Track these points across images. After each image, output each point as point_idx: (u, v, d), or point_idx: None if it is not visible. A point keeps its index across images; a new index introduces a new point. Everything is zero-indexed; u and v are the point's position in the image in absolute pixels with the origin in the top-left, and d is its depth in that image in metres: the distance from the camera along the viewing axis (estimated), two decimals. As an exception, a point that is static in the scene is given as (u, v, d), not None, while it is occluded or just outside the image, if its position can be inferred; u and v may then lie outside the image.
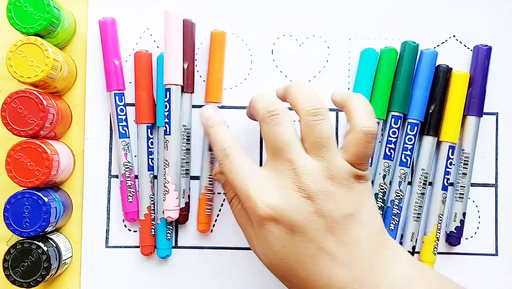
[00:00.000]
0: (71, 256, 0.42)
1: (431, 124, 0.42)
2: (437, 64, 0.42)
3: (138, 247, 0.42)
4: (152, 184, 0.42)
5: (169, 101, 0.40)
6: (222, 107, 0.43)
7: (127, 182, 0.41)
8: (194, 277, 0.42)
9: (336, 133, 0.43)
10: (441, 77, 0.42)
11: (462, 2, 0.43)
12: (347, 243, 0.31)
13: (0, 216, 0.39)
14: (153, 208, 0.41)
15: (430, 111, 0.42)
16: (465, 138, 0.42)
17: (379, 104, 0.41)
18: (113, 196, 0.42)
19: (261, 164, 0.43)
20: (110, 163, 0.42)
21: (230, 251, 0.42)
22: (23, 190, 0.38)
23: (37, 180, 0.37)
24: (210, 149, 0.41)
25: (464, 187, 0.42)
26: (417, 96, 0.41)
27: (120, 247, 0.42)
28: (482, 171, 0.43)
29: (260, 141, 0.43)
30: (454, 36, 0.43)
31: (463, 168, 0.42)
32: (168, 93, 0.40)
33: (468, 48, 0.43)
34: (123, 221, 0.42)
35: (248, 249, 0.42)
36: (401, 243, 0.42)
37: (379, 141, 0.42)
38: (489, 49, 0.42)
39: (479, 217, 0.43)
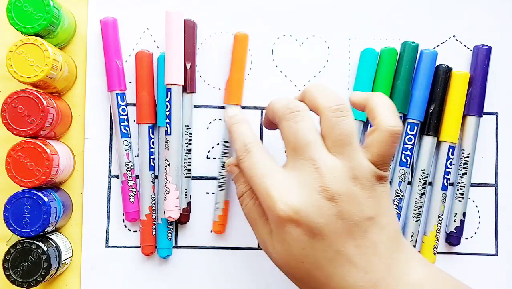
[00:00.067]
0: (71, 256, 0.42)
1: (431, 124, 0.42)
2: (437, 64, 0.42)
3: (138, 247, 0.42)
4: (154, 184, 0.42)
5: (170, 101, 0.40)
6: (222, 107, 0.43)
7: (128, 181, 0.41)
8: (194, 277, 0.42)
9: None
10: (441, 77, 0.42)
11: (462, 2, 0.43)
12: (366, 246, 0.31)
13: (0, 216, 0.39)
14: (154, 208, 0.41)
15: (430, 111, 0.42)
16: (465, 138, 0.42)
17: (379, 104, 0.41)
18: (113, 196, 0.42)
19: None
20: (110, 163, 0.42)
21: (230, 251, 0.42)
22: (23, 190, 0.38)
23: (37, 180, 0.37)
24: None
25: (464, 187, 0.42)
26: (417, 96, 0.41)
27: (120, 247, 0.42)
28: (482, 171, 0.43)
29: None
30: (454, 36, 0.43)
31: (463, 168, 0.42)
32: (169, 93, 0.40)
33: (468, 48, 0.43)
34: (123, 221, 0.42)
35: (248, 249, 0.42)
36: (401, 243, 0.42)
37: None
38: (489, 49, 0.42)
39: (479, 217, 0.43)
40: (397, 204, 0.41)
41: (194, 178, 0.42)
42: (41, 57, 0.37)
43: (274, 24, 0.43)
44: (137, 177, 0.42)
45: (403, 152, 0.41)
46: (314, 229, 0.30)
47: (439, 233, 0.42)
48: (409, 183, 0.42)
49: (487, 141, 0.43)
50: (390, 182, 0.42)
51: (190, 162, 0.42)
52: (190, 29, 0.41)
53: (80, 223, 0.42)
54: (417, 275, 0.31)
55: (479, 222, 0.43)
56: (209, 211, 0.42)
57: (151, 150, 0.42)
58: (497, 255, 0.43)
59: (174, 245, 0.42)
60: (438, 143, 0.42)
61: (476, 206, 0.43)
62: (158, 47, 0.43)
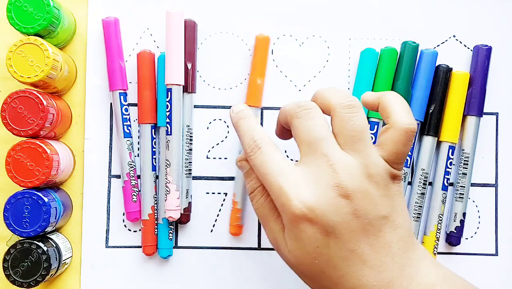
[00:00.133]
0: (71, 256, 0.42)
1: (431, 124, 0.42)
2: (437, 64, 0.42)
3: (138, 247, 0.42)
4: (155, 184, 0.42)
5: (170, 101, 0.40)
6: (223, 107, 0.43)
7: (131, 181, 0.41)
8: (193, 277, 0.42)
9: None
10: (441, 77, 0.42)
11: (462, 2, 0.43)
12: (379, 246, 0.31)
13: (0, 216, 0.39)
14: (156, 207, 0.41)
15: (430, 111, 0.42)
16: (465, 138, 0.42)
17: (379, 104, 0.41)
18: (113, 196, 0.42)
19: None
20: (110, 163, 0.42)
21: (230, 251, 0.42)
22: (23, 190, 0.38)
23: (37, 180, 0.37)
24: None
25: (464, 187, 0.42)
26: (417, 96, 0.41)
27: (120, 247, 0.42)
28: (482, 171, 0.43)
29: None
30: (454, 36, 0.43)
31: (463, 168, 0.42)
32: (169, 93, 0.40)
33: (468, 48, 0.43)
34: (123, 221, 0.42)
35: (248, 249, 0.42)
36: (401, 243, 0.42)
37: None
38: (489, 49, 0.42)
39: (479, 217, 0.43)
40: (397, 204, 0.41)
41: (194, 178, 0.42)
42: (41, 57, 0.37)
43: (274, 24, 0.43)
44: (138, 177, 0.42)
45: (403, 152, 0.41)
46: (329, 227, 0.30)
47: (439, 233, 0.42)
48: (409, 183, 0.42)
49: (487, 141, 0.43)
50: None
51: (191, 162, 0.42)
52: (190, 29, 0.41)
53: (80, 223, 0.42)
54: (428, 276, 0.31)
55: (479, 222, 0.43)
56: (209, 211, 0.42)
57: (154, 150, 0.42)
58: (497, 255, 0.43)
59: (174, 245, 0.42)
60: (438, 143, 0.42)
61: (476, 206, 0.43)
62: (158, 47, 0.43)
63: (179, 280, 0.42)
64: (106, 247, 0.42)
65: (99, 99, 0.42)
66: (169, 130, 0.40)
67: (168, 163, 0.40)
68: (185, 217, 0.42)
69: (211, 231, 0.42)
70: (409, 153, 0.41)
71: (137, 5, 0.43)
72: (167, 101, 0.40)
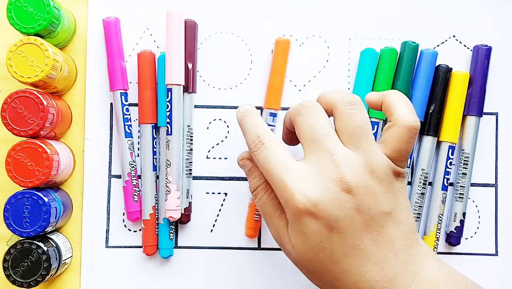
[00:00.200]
0: (71, 256, 0.42)
1: (431, 124, 0.42)
2: (437, 64, 0.42)
3: (138, 247, 0.42)
4: (156, 184, 0.42)
5: (170, 101, 0.40)
6: (223, 107, 0.43)
7: (132, 181, 0.41)
8: (193, 277, 0.42)
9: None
10: (441, 77, 0.42)
11: (462, 2, 0.43)
12: (382, 242, 0.31)
13: (0, 216, 0.39)
14: (157, 207, 0.41)
15: (430, 111, 0.42)
16: (465, 138, 0.42)
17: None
18: (113, 196, 0.42)
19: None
20: (110, 163, 0.42)
21: (230, 251, 0.42)
22: (23, 190, 0.38)
23: (37, 180, 0.37)
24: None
25: (464, 187, 0.42)
26: (417, 96, 0.41)
27: (120, 247, 0.42)
28: (482, 171, 0.43)
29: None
30: (454, 36, 0.43)
31: (463, 168, 0.42)
32: (169, 93, 0.40)
33: (468, 48, 0.43)
34: (123, 221, 0.42)
35: (249, 249, 0.42)
36: (401, 243, 0.42)
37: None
38: (489, 49, 0.42)
39: (479, 217, 0.43)
40: (397, 204, 0.41)
41: (194, 178, 0.42)
42: (41, 57, 0.37)
43: (274, 24, 0.43)
44: (139, 177, 0.42)
45: (403, 152, 0.41)
46: (332, 222, 0.30)
47: (439, 233, 0.42)
48: (409, 183, 0.42)
49: (487, 141, 0.43)
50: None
51: (191, 162, 0.42)
52: (190, 29, 0.41)
53: (80, 223, 0.42)
54: (432, 272, 0.31)
55: (479, 222, 0.43)
56: (209, 211, 0.42)
57: (155, 150, 0.42)
58: (497, 255, 0.43)
59: (174, 245, 0.42)
60: (438, 143, 0.42)
61: (476, 206, 0.43)
62: (158, 47, 0.43)
63: (179, 280, 0.42)
64: (106, 247, 0.42)
65: (99, 99, 0.42)
66: (169, 130, 0.40)
67: (169, 162, 0.40)
68: (185, 217, 0.42)
69: (211, 231, 0.42)
70: (409, 155, 0.41)
71: (137, 5, 0.43)
72: (168, 101, 0.40)
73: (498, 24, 0.43)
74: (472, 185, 0.43)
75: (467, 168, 0.42)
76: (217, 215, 0.43)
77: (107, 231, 0.42)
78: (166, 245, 0.41)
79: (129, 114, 0.41)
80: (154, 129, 0.42)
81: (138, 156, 0.42)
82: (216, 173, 0.43)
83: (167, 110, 0.40)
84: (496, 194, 0.43)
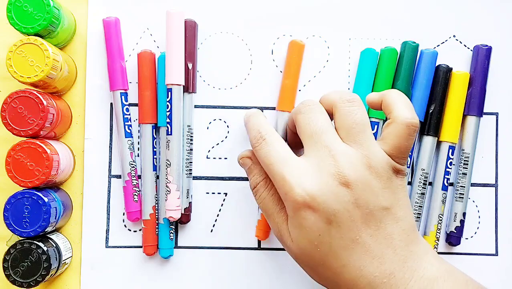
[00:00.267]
0: (71, 256, 0.42)
1: (431, 124, 0.42)
2: (437, 64, 0.42)
3: (138, 247, 0.42)
4: (156, 184, 0.42)
5: (170, 101, 0.40)
6: (223, 107, 0.43)
7: (132, 181, 0.41)
8: (194, 277, 0.42)
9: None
10: (441, 77, 0.42)
11: (462, 2, 0.43)
12: (381, 237, 0.31)
13: (0, 216, 0.39)
14: (157, 207, 0.41)
15: (430, 111, 0.42)
16: (465, 138, 0.42)
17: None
18: (113, 196, 0.42)
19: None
20: (110, 163, 0.42)
21: (230, 251, 0.42)
22: (23, 190, 0.38)
23: (37, 180, 0.37)
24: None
25: (464, 187, 0.42)
26: (417, 96, 0.41)
27: (120, 247, 0.42)
28: (482, 171, 0.43)
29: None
30: (454, 36, 0.43)
31: (463, 168, 0.42)
32: (170, 93, 0.40)
33: (468, 48, 0.43)
34: (123, 221, 0.42)
35: (248, 249, 0.42)
36: (401, 243, 0.42)
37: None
38: (489, 49, 0.42)
39: (479, 217, 0.43)
40: (397, 204, 0.41)
41: (194, 178, 0.42)
42: (41, 57, 0.37)
43: (274, 24, 0.43)
44: (139, 177, 0.42)
45: (403, 152, 0.41)
46: (330, 215, 0.31)
47: (439, 233, 0.42)
48: (409, 183, 0.42)
49: (487, 141, 0.43)
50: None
51: (191, 162, 0.42)
52: (190, 29, 0.41)
53: (80, 223, 0.42)
54: (431, 269, 0.32)
55: (479, 222, 0.43)
56: (209, 211, 0.42)
57: (155, 150, 0.42)
58: (497, 255, 0.43)
59: (174, 245, 0.42)
60: (438, 143, 0.42)
61: (476, 206, 0.43)
62: (158, 47, 0.43)
63: (179, 280, 0.42)
64: (106, 247, 0.42)
65: (99, 99, 0.42)
66: (169, 130, 0.40)
67: (169, 162, 0.40)
68: (185, 217, 0.42)
69: (211, 231, 0.42)
70: (409, 153, 0.41)
71: (137, 5, 0.43)
72: (168, 101, 0.40)
73: (498, 24, 0.43)
74: (472, 185, 0.43)
75: (467, 168, 0.42)
76: (217, 215, 0.43)
77: (107, 231, 0.42)
78: (166, 245, 0.41)
79: (129, 114, 0.41)
80: (154, 129, 0.42)
81: (138, 156, 0.42)
82: (216, 173, 0.43)
83: (167, 110, 0.40)
84: (496, 194, 0.43)
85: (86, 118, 0.42)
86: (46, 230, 0.38)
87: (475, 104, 0.42)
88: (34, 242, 0.37)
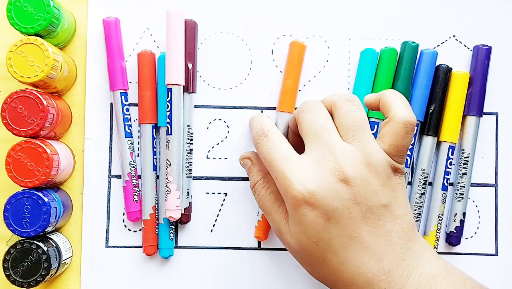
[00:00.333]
0: (71, 256, 0.42)
1: (431, 124, 0.42)
2: (437, 64, 0.42)
3: (138, 247, 0.42)
4: (156, 184, 0.42)
5: (170, 101, 0.40)
6: (223, 107, 0.43)
7: (132, 181, 0.41)
8: (194, 277, 0.42)
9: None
10: (441, 77, 0.42)
11: (462, 2, 0.43)
12: (380, 234, 0.32)
13: (0, 216, 0.39)
14: (157, 207, 0.41)
15: (430, 111, 0.42)
16: (465, 138, 0.42)
17: (379, 104, 0.41)
18: (113, 196, 0.42)
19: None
20: (110, 163, 0.42)
21: (230, 251, 0.42)
22: (23, 190, 0.38)
23: (37, 180, 0.37)
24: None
25: (464, 187, 0.42)
26: (417, 96, 0.41)
27: (120, 247, 0.42)
28: (482, 171, 0.43)
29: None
30: (454, 36, 0.43)
31: (463, 168, 0.42)
32: (169, 93, 0.40)
33: (468, 48, 0.43)
34: (123, 221, 0.42)
35: (248, 249, 0.42)
36: (401, 243, 0.42)
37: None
38: (489, 49, 0.42)
39: (479, 217, 0.43)
40: (397, 204, 0.41)
41: (194, 178, 0.42)
42: (41, 57, 0.37)
43: (274, 24, 0.43)
44: (139, 177, 0.42)
45: (403, 152, 0.41)
46: (329, 212, 0.31)
47: (439, 233, 0.42)
48: (409, 183, 0.42)
49: (487, 141, 0.43)
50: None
51: (191, 162, 0.42)
52: (190, 29, 0.41)
53: (80, 223, 0.42)
54: (430, 267, 0.32)
55: (479, 222, 0.43)
56: (209, 211, 0.42)
57: (155, 150, 0.42)
58: (497, 255, 0.43)
59: (174, 245, 0.42)
60: (438, 143, 0.42)
61: (476, 206, 0.43)
62: (158, 47, 0.43)
63: (179, 280, 0.42)
64: (106, 247, 0.42)
65: (99, 99, 0.42)
66: (169, 130, 0.40)
67: (169, 162, 0.40)
68: (185, 217, 0.42)
69: (211, 231, 0.42)
70: (409, 153, 0.41)
71: (137, 5, 0.43)
72: (168, 101, 0.40)
73: (498, 24, 0.43)
74: (472, 185, 0.43)
75: (467, 168, 0.42)
76: (217, 215, 0.43)
77: (107, 231, 0.42)
78: (166, 245, 0.41)
79: (129, 114, 0.41)
80: (154, 129, 0.42)
81: (138, 156, 0.42)
82: (216, 173, 0.43)
83: (167, 110, 0.40)
84: (496, 194, 0.43)
85: (86, 118, 0.42)
86: (46, 230, 0.38)
87: (475, 104, 0.42)
88: (34, 242, 0.37)
